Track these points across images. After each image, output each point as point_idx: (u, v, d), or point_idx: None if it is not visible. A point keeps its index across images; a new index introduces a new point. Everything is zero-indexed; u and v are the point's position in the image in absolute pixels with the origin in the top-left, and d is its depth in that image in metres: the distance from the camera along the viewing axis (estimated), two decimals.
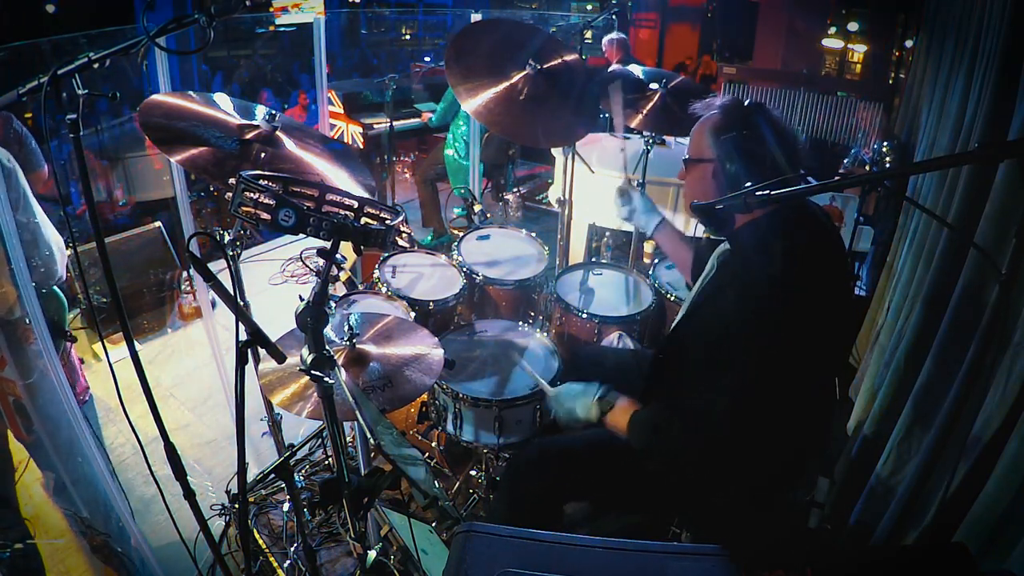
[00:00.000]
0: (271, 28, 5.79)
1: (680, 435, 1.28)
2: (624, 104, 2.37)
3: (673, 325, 1.51)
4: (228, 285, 1.02)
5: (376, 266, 2.39)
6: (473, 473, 2.15)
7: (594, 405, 1.44)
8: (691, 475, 1.35)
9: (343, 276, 2.23)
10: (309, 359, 1.05)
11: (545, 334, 2.12)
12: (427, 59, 5.35)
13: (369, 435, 1.05)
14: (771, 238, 1.27)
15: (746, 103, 1.34)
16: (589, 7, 7.91)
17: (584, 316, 2.17)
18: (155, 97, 1.50)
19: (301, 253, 4.02)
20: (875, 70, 6.42)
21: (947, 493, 1.39)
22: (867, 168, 3.61)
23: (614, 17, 3.66)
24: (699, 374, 1.33)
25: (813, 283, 1.23)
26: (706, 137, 1.34)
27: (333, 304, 2.12)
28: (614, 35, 4.39)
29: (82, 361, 2.85)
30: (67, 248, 2.41)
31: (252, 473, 2.21)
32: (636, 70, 2.55)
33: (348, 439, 2.08)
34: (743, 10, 6.82)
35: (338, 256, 1.03)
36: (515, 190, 4.28)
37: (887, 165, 3.41)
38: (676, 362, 1.47)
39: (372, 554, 1.37)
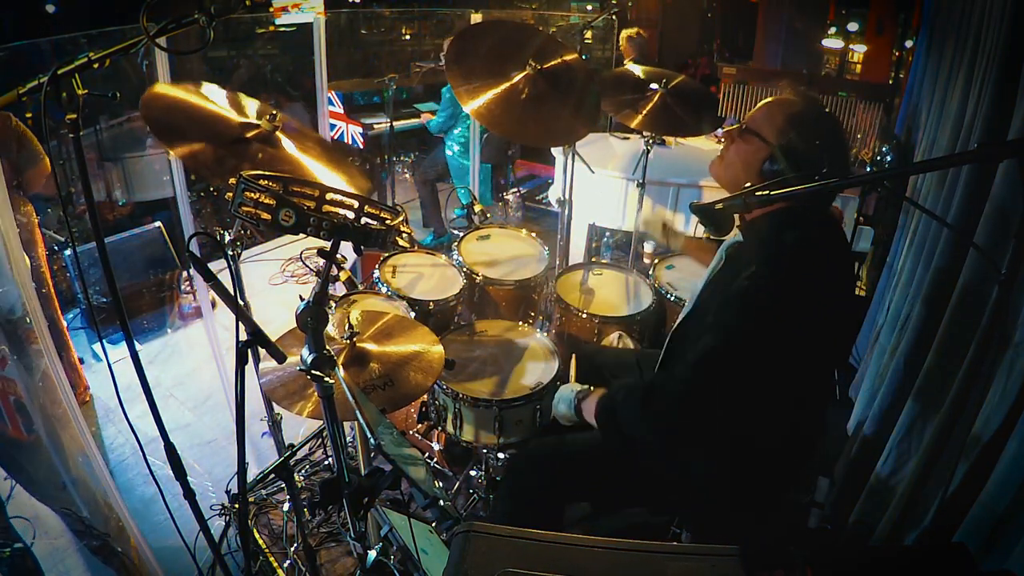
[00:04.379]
0: (271, 28, 5.78)
1: (638, 411, 1.28)
2: (623, 105, 2.37)
3: (680, 318, 1.51)
4: (228, 285, 1.03)
5: (376, 266, 2.39)
6: (473, 473, 2.15)
7: (575, 399, 1.45)
8: (692, 473, 1.35)
9: (343, 276, 2.22)
10: (309, 359, 1.05)
11: (545, 334, 2.12)
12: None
13: (369, 435, 1.05)
14: (781, 237, 1.26)
15: (823, 108, 1.30)
16: (589, 7, 7.90)
17: (584, 316, 2.17)
18: (158, 88, 1.50)
19: (301, 253, 4.02)
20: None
21: (947, 493, 1.39)
22: (867, 168, 3.61)
23: (614, 17, 3.66)
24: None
25: (819, 284, 1.22)
26: (778, 120, 1.26)
27: (333, 304, 2.12)
28: (632, 32, 4.38)
29: (82, 361, 2.85)
30: (67, 248, 2.42)
31: (252, 473, 2.21)
32: (637, 70, 2.55)
33: (348, 439, 2.08)
34: (743, 10, 6.82)
35: (338, 256, 1.03)
36: (515, 190, 4.28)
37: (887, 165, 3.41)
38: (680, 356, 1.46)
39: (372, 554, 1.37)
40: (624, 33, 4.36)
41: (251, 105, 1.66)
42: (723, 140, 1.41)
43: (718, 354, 1.19)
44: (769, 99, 1.35)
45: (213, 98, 1.58)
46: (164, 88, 1.52)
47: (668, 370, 1.27)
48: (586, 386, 1.48)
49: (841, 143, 1.28)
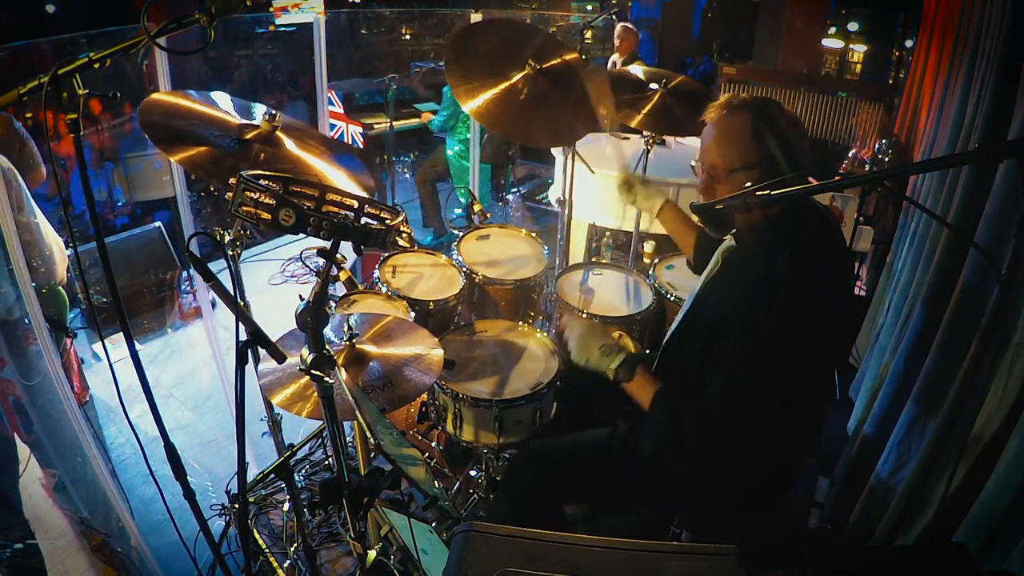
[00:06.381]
0: (271, 28, 5.79)
1: (695, 430, 1.28)
2: (623, 105, 2.37)
3: (676, 320, 1.51)
4: (228, 285, 1.02)
5: (376, 266, 2.39)
6: (473, 473, 2.15)
7: (617, 360, 1.36)
8: (691, 473, 1.35)
9: (343, 276, 2.22)
10: (309, 359, 1.05)
11: (545, 334, 2.12)
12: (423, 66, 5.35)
13: (369, 435, 1.05)
14: (778, 238, 1.26)
15: (760, 98, 1.29)
16: (589, 7, 7.91)
17: (584, 316, 2.17)
18: (155, 96, 1.50)
19: (301, 253, 4.02)
20: (875, 70, 6.42)
21: (947, 493, 1.39)
22: (867, 168, 3.61)
23: (614, 17, 3.66)
24: (699, 369, 1.33)
25: (815, 285, 1.23)
26: (745, 139, 1.25)
27: (333, 304, 2.12)
28: (627, 24, 4.36)
29: (82, 361, 2.85)
30: (67, 248, 2.42)
31: (252, 473, 2.21)
32: (637, 70, 2.55)
33: (348, 439, 2.08)
34: (743, 10, 6.82)
35: (338, 256, 1.03)
36: (515, 190, 4.27)
37: (887, 165, 3.41)
38: (678, 357, 1.46)
39: (372, 554, 1.37)
40: (618, 26, 4.36)
41: (251, 106, 1.66)
42: (699, 191, 1.36)
43: (752, 373, 1.21)
44: (715, 131, 1.30)
45: (207, 103, 1.59)
46: (159, 96, 1.52)
47: (709, 390, 1.27)
48: (623, 355, 1.38)
49: (790, 118, 1.27)
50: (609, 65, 4.60)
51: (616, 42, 4.50)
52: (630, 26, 4.45)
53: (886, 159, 3.45)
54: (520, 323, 2.17)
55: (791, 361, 1.20)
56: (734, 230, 1.40)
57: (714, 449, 1.26)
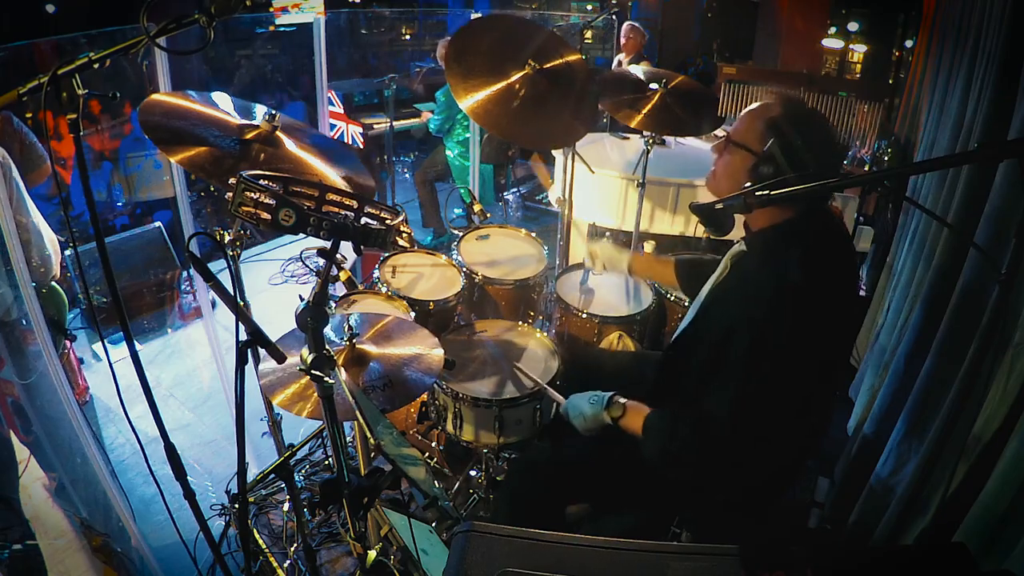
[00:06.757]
0: (271, 28, 5.79)
1: (692, 438, 1.28)
2: (623, 105, 2.37)
3: (683, 324, 1.51)
4: (228, 285, 1.02)
5: (376, 266, 2.39)
6: (473, 473, 2.15)
7: (604, 413, 1.43)
8: (694, 475, 1.35)
9: (343, 276, 2.22)
10: (309, 359, 1.05)
11: (545, 334, 2.11)
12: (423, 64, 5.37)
13: (369, 435, 1.05)
14: (791, 241, 1.26)
15: (807, 108, 1.30)
16: (589, 7, 7.90)
17: (584, 316, 2.17)
18: (155, 96, 1.50)
19: (301, 253, 4.02)
20: (875, 70, 6.41)
21: (947, 493, 1.39)
22: (866, 168, 3.61)
23: (614, 17, 3.66)
24: (706, 374, 1.33)
25: (827, 289, 1.23)
26: (759, 127, 1.27)
27: (333, 304, 2.12)
28: (634, 23, 4.35)
29: (82, 361, 2.85)
30: (67, 248, 2.42)
31: (252, 473, 2.21)
32: (637, 70, 2.55)
33: (348, 439, 2.08)
34: (743, 10, 6.82)
35: (338, 256, 1.03)
36: (515, 190, 4.27)
37: (886, 165, 3.41)
38: (684, 361, 1.46)
39: (372, 554, 1.37)
40: (625, 24, 4.35)
41: (251, 106, 1.66)
42: (713, 154, 1.40)
43: (759, 381, 1.21)
44: (751, 107, 1.34)
45: (207, 103, 1.59)
46: (160, 96, 1.52)
47: (713, 396, 1.28)
48: (607, 394, 1.45)
49: (826, 138, 1.28)
50: (614, 65, 4.59)
51: (622, 40, 4.48)
52: (637, 25, 4.44)
53: (886, 159, 3.44)
54: (520, 323, 2.18)
55: (802, 364, 1.21)
56: (745, 235, 1.40)
57: (720, 453, 1.26)
